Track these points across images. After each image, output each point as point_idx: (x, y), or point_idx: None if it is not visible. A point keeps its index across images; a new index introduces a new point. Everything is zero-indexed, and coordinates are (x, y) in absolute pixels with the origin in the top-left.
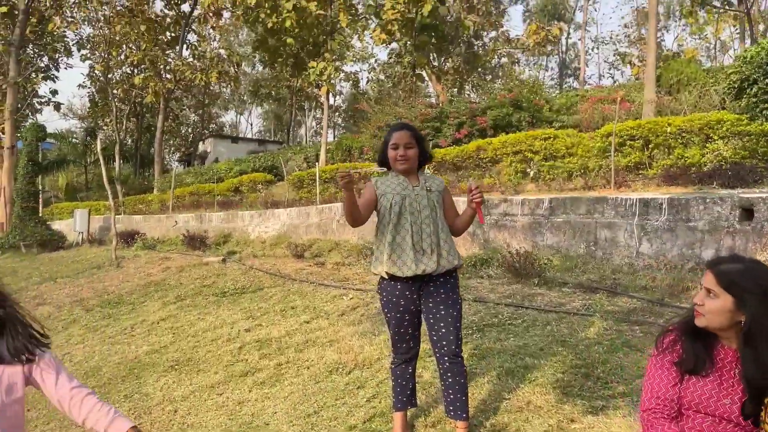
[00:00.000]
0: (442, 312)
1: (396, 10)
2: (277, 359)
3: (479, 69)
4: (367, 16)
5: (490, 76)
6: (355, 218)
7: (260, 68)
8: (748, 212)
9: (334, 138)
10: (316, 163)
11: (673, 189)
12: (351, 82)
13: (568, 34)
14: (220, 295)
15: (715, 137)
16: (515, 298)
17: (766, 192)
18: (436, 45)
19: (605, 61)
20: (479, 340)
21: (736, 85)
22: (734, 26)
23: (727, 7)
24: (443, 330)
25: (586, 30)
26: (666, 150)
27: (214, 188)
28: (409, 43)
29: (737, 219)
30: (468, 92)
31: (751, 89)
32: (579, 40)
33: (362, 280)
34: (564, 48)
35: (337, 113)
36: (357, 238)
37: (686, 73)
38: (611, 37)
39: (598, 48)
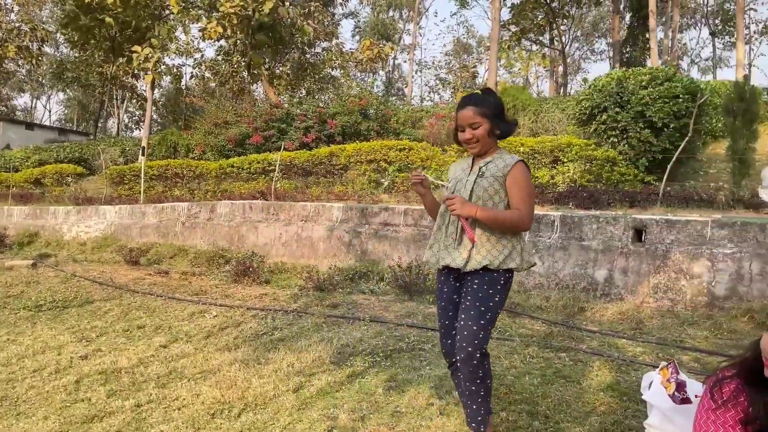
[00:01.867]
0: (468, 302)
1: (234, 4)
2: (133, 398)
3: (314, 77)
4: (201, 6)
5: (321, 87)
6: (428, 210)
7: (65, 49)
8: (639, 233)
9: (150, 133)
10: (141, 158)
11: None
12: (173, 75)
13: (395, 55)
14: (33, 309)
15: (565, 160)
16: (416, 318)
17: (658, 215)
18: (272, 47)
19: (426, 85)
20: (392, 369)
21: (587, 111)
22: (539, 65)
23: (545, 46)
24: (462, 322)
25: (410, 53)
26: None
27: (8, 178)
28: (243, 41)
29: (630, 240)
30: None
31: (601, 116)
32: (405, 62)
33: (224, 293)
34: (391, 68)
35: (154, 107)
36: (207, 244)
37: (521, 99)
38: (433, 63)
39: (421, 71)
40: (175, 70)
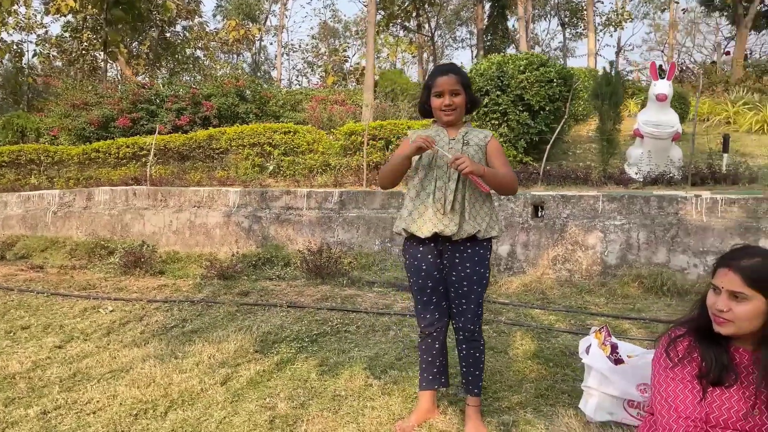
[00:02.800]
0: (465, 288)
1: None
2: (37, 405)
3: (176, 58)
4: None
5: (184, 68)
6: (395, 177)
7: None
8: (536, 209)
9: None
10: None
11: None
12: (12, 53)
13: (261, 36)
14: None
15: None
16: (335, 301)
17: (554, 191)
18: (130, 24)
19: (294, 68)
20: (321, 353)
21: None
22: (405, 51)
23: (412, 31)
24: (464, 306)
25: (277, 35)
26: None
27: None
28: (95, 17)
29: (530, 215)
30: (161, 80)
31: (483, 100)
32: (271, 44)
33: (116, 286)
34: (257, 50)
35: None
36: (85, 235)
37: (400, 83)
38: (300, 46)
39: (288, 54)
40: (15, 47)
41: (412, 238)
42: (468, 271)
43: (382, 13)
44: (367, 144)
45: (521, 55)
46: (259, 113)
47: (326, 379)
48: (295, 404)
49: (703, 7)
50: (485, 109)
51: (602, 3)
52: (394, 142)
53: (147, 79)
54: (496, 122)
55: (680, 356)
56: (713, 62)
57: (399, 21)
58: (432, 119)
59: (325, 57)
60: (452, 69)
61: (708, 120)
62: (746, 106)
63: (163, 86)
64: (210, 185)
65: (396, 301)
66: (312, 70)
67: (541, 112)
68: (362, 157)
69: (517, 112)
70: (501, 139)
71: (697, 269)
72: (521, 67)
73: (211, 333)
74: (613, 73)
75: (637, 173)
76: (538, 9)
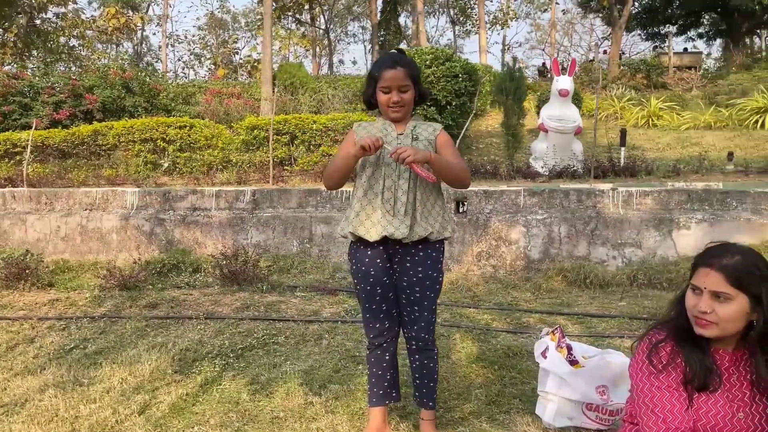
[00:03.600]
0: (418, 294)
1: None
2: None
3: (48, 46)
4: None
5: (58, 58)
6: (341, 178)
7: None
8: (458, 204)
9: None
10: None
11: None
12: None
13: (143, 26)
14: None
15: None
16: (257, 309)
17: (474, 186)
18: None
19: (180, 60)
20: (249, 370)
21: None
22: (297, 44)
23: (304, 24)
24: (417, 313)
25: (161, 25)
26: (311, 146)
27: None
28: None
29: (452, 211)
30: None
31: None
32: (154, 34)
33: None
34: (139, 40)
35: None
36: None
37: (299, 76)
38: (186, 37)
39: (173, 45)
40: None
41: (359, 242)
42: (420, 275)
43: (275, 4)
44: (272, 139)
45: (426, 49)
46: (148, 107)
47: (260, 399)
48: (229, 431)
49: (580, 9)
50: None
51: (491, 2)
52: (300, 137)
53: (16, 69)
54: None
55: (664, 363)
56: (591, 60)
57: (291, 13)
58: (377, 111)
59: (213, 49)
60: (401, 61)
61: (598, 115)
62: (630, 102)
63: (37, 77)
64: (98, 185)
65: (323, 307)
66: (200, 63)
67: (448, 107)
68: (266, 152)
69: (425, 107)
70: None
71: (615, 261)
72: (427, 62)
73: (120, 353)
74: (516, 68)
75: (543, 167)
76: (428, 6)
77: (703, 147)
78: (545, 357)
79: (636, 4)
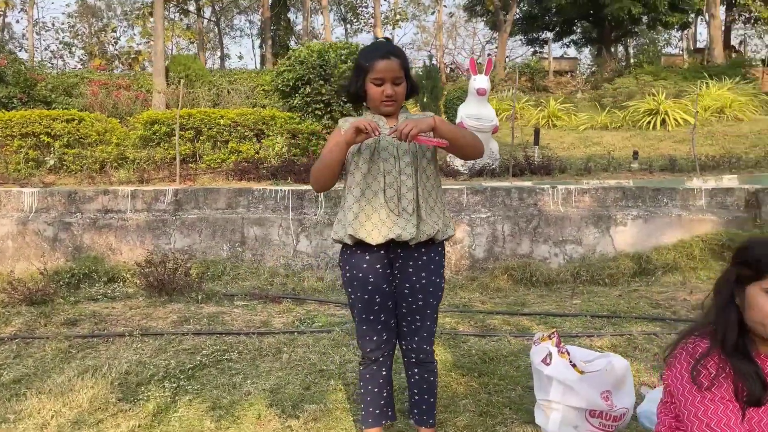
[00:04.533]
0: (420, 301)
1: None
2: None
3: None
4: None
5: None
6: (332, 174)
7: None
8: None
9: None
10: None
11: (250, 184)
12: None
13: (5, 11)
14: None
15: (270, 133)
16: (199, 322)
17: None
18: None
19: (47, 49)
20: (207, 392)
21: (291, 84)
22: (180, 36)
23: (188, 13)
24: (418, 323)
25: (26, 11)
26: (218, 143)
27: None
28: None
29: None
30: None
31: (305, 89)
32: (17, 21)
33: None
34: (0, 27)
35: None
36: None
37: (194, 69)
38: (54, 24)
39: (39, 34)
40: None
41: (356, 246)
42: (424, 281)
43: None
44: (172, 135)
45: (342, 44)
46: (25, 98)
47: (228, 426)
48: None
49: (466, 12)
50: (308, 99)
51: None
52: (206, 133)
53: None
54: (320, 113)
55: (712, 375)
56: (479, 63)
57: (176, 3)
58: (363, 105)
59: (85, 38)
60: (394, 51)
61: (498, 116)
62: (528, 103)
63: None
64: None
65: (272, 317)
66: (70, 53)
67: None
68: (168, 149)
69: (341, 103)
70: (325, 131)
71: (557, 258)
72: (343, 57)
73: (45, 381)
74: (432, 66)
75: (462, 165)
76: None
77: (605, 146)
78: (548, 363)
79: (518, 9)
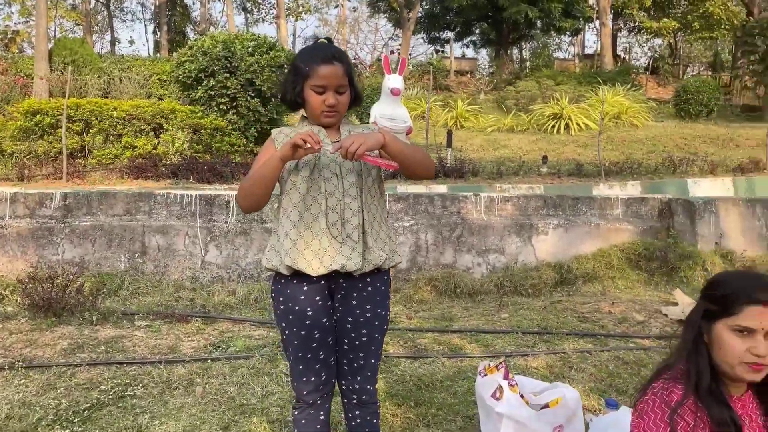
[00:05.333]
0: (365, 336)
1: None
2: None
3: None
4: None
5: None
6: (265, 193)
7: None
8: None
9: None
10: None
11: (148, 183)
12: None
13: None
14: None
15: (170, 128)
16: (96, 350)
17: None
18: None
19: None
20: None
21: (193, 75)
22: (64, 17)
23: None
24: (361, 361)
25: None
26: (110, 137)
27: None
28: None
29: None
30: None
31: (209, 81)
32: None
33: None
34: None
35: None
36: None
37: (81, 53)
38: None
39: None
40: None
41: (293, 276)
42: (369, 314)
43: None
44: (58, 126)
45: (248, 35)
46: None
47: None
48: None
49: (369, 8)
50: (212, 92)
51: None
52: (97, 125)
53: None
54: (225, 107)
55: (691, 428)
56: (379, 59)
57: None
58: (300, 112)
59: None
60: (337, 56)
61: None
62: (436, 103)
63: None
64: None
65: (180, 340)
66: None
67: (273, 99)
68: (52, 142)
69: (248, 97)
70: (230, 127)
71: (480, 268)
72: (250, 49)
73: None
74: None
75: None
76: None
77: (512, 149)
78: (498, 399)
79: (420, 8)
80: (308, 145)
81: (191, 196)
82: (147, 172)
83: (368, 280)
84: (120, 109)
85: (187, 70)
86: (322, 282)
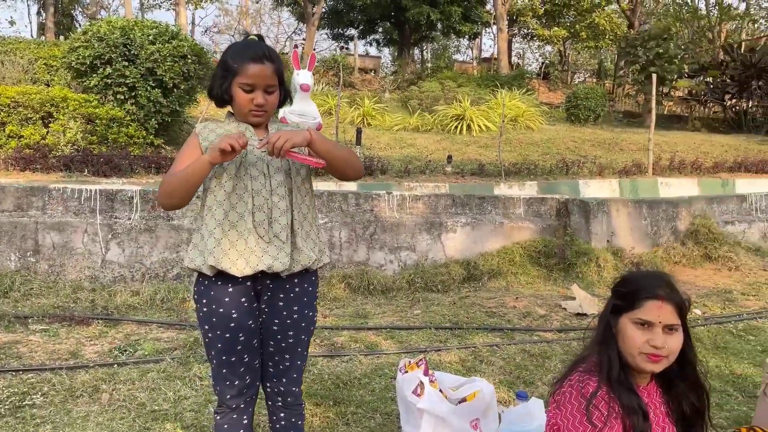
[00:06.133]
0: (291, 338)
1: None
2: None
3: None
4: None
5: None
6: (188, 197)
7: None
8: None
9: None
10: None
11: (37, 176)
12: None
13: None
14: None
15: (61, 117)
16: None
17: None
18: None
19: None
20: None
21: (87, 62)
22: None
23: None
24: (287, 363)
25: None
26: None
27: None
28: None
29: None
30: None
31: (105, 69)
32: None
33: None
34: None
35: None
36: None
37: None
38: None
39: None
40: None
41: (216, 277)
42: (296, 316)
43: None
44: None
45: (150, 22)
46: None
47: None
48: None
49: (272, 0)
50: (108, 81)
51: None
52: None
53: None
54: (123, 97)
55: (605, 415)
56: (284, 53)
57: None
58: (227, 109)
59: None
60: (268, 55)
61: None
62: (343, 100)
63: None
64: None
65: (81, 344)
66: None
67: (175, 90)
68: None
69: (148, 88)
70: (128, 118)
71: (392, 265)
72: (151, 37)
73: None
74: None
75: None
76: None
77: (418, 148)
78: (419, 395)
79: (324, 4)
80: (236, 149)
81: (90, 190)
82: (35, 163)
83: (296, 281)
84: (4, 95)
85: (81, 57)
86: (248, 283)
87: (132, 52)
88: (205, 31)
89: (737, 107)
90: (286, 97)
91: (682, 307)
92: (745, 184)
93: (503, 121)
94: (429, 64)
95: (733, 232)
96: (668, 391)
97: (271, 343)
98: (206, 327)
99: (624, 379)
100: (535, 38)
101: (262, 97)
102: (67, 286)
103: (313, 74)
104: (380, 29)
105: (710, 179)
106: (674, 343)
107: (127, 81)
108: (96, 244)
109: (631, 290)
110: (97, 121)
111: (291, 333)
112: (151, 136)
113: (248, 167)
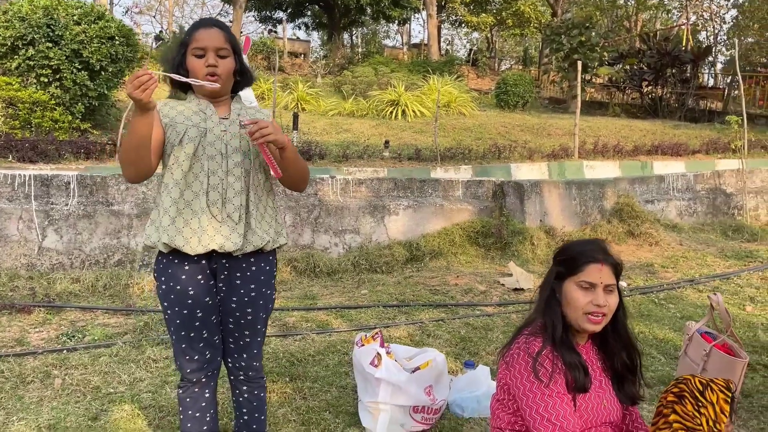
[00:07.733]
0: (249, 316)
1: None
2: None
3: None
4: None
5: None
6: (142, 162)
7: None
8: None
9: None
10: None
11: None
12: None
13: None
14: None
15: None
16: None
17: None
18: None
19: None
20: None
21: (8, 43)
22: None
23: None
24: (247, 339)
25: None
26: None
27: None
28: None
29: None
30: None
31: (27, 51)
32: None
33: None
34: None
35: None
36: None
37: None
38: None
39: None
40: None
41: (173, 255)
42: (253, 294)
43: None
44: None
45: (75, 2)
46: None
47: None
48: None
49: None
50: (31, 63)
51: None
52: None
53: None
54: (46, 80)
55: (549, 372)
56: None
57: None
58: (188, 90)
59: None
60: (218, 24)
61: None
62: (276, 85)
63: None
64: None
65: (26, 332)
66: None
67: (103, 73)
68: None
69: (74, 70)
70: (53, 102)
71: (337, 248)
72: (76, 17)
73: None
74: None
75: None
76: None
77: (354, 133)
78: (377, 366)
79: None
80: (144, 79)
81: (24, 176)
82: None
83: (252, 260)
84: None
85: (1, 37)
86: (203, 261)
87: (56, 32)
88: (126, 11)
89: (653, 94)
90: (244, 74)
91: (617, 268)
92: (662, 166)
93: (438, 107)
94: (360, 49)
95: (653, 210)
96: (603, 350)
97: (230, 320)
98: (165, 304)
99: (566, 338)
100: (463, 24)
101: (213, 58)
102: (2, 275)
103: (248, 57)
104: (309, 12)
105: (630, 162)
106: (613, 301)
107: (51, 63)
108: (32, 231)
109: (572, 256)
110: (19, 105)
111: (249, 310)
112: (78, 121)
113: (206, 147)
